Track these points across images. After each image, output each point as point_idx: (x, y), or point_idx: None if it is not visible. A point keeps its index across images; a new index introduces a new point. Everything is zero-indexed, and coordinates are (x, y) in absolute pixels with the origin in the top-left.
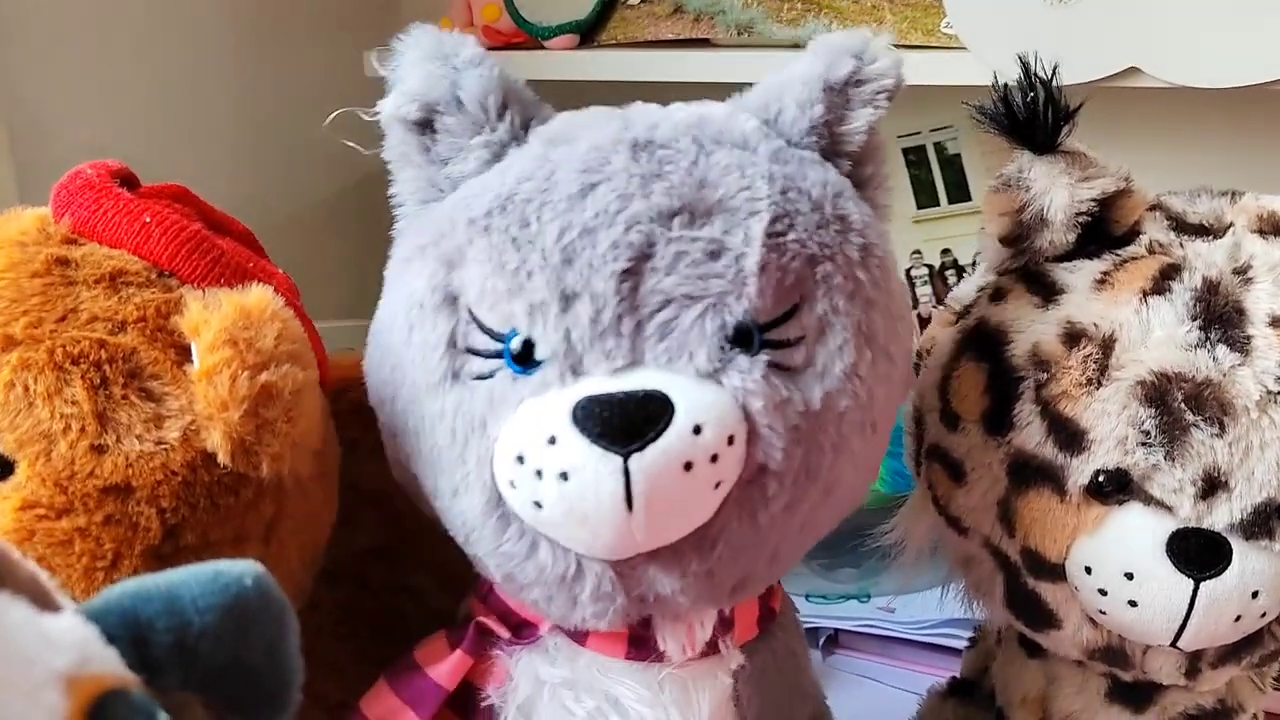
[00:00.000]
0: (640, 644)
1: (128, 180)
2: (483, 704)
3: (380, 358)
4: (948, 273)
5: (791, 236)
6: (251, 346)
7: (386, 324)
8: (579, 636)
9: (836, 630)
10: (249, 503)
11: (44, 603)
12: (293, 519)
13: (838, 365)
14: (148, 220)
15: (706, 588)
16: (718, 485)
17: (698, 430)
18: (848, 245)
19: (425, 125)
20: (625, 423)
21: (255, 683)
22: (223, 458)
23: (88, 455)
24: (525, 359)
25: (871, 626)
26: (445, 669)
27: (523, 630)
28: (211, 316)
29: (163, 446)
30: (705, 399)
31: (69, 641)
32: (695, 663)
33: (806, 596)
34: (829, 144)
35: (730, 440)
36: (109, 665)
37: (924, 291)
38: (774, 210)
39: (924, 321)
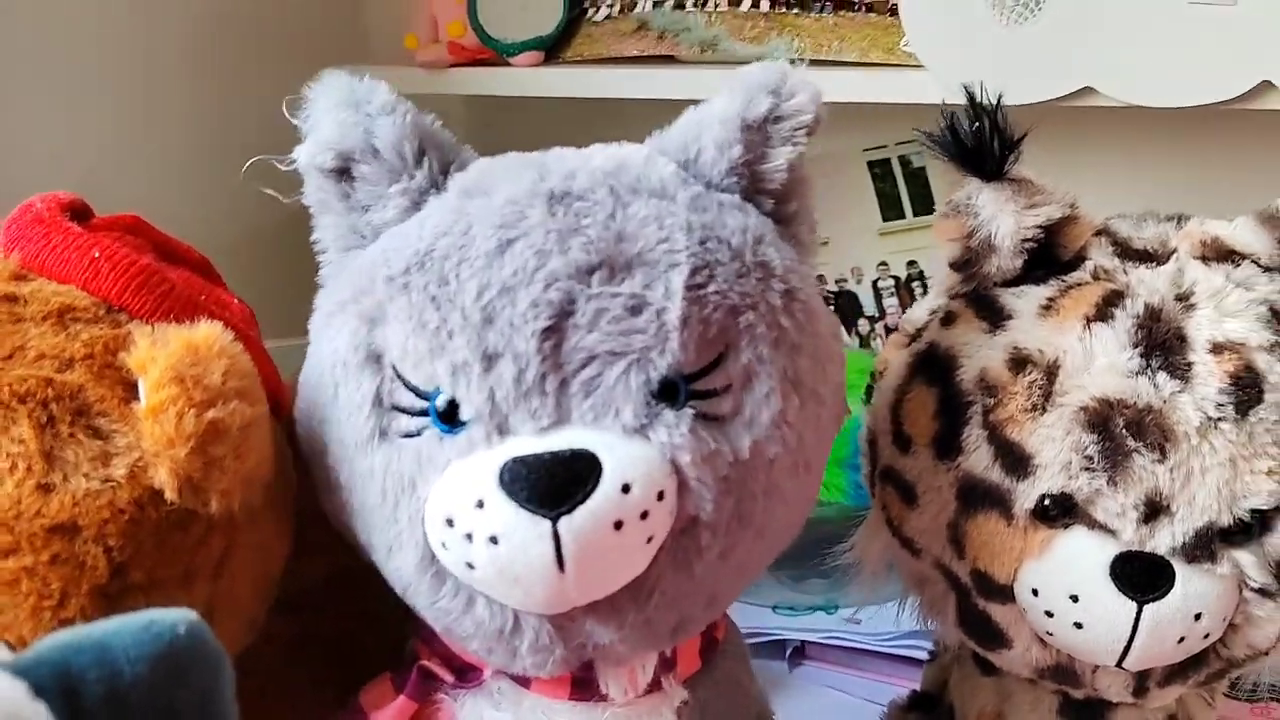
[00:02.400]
0: (583, 685)
1: (80, 212)
2: None
3: (309, 411)
4: (914, 284)
5: (712, 288)
6: (199, 383)
7: (313, 380)
8: (523, 680)
9: (803, 642)
10: (198, 539)
11: None
12: (244, 552)
13: (765, 413)
14: (96, 255)
15: (645, 634)
16: (650, 540)
17: (626, 489)
18: (770, 293)
19: (342, 173)
20: (552, 486)
21: None
22: (170, 495)
23: (34, 494)
24: (451, 418)
25: (838, 638)
26: (389, 715)
27: (466, 674)
28: (159, 353)
29: (110, 484)
30: (633, 456)
31: None
32: (639, 701)
33: (774, 608)
34: (749, 183)
35: (660, 495)
36: None
37: (891, 303)
38: (693, 262)
39: (891, 333)
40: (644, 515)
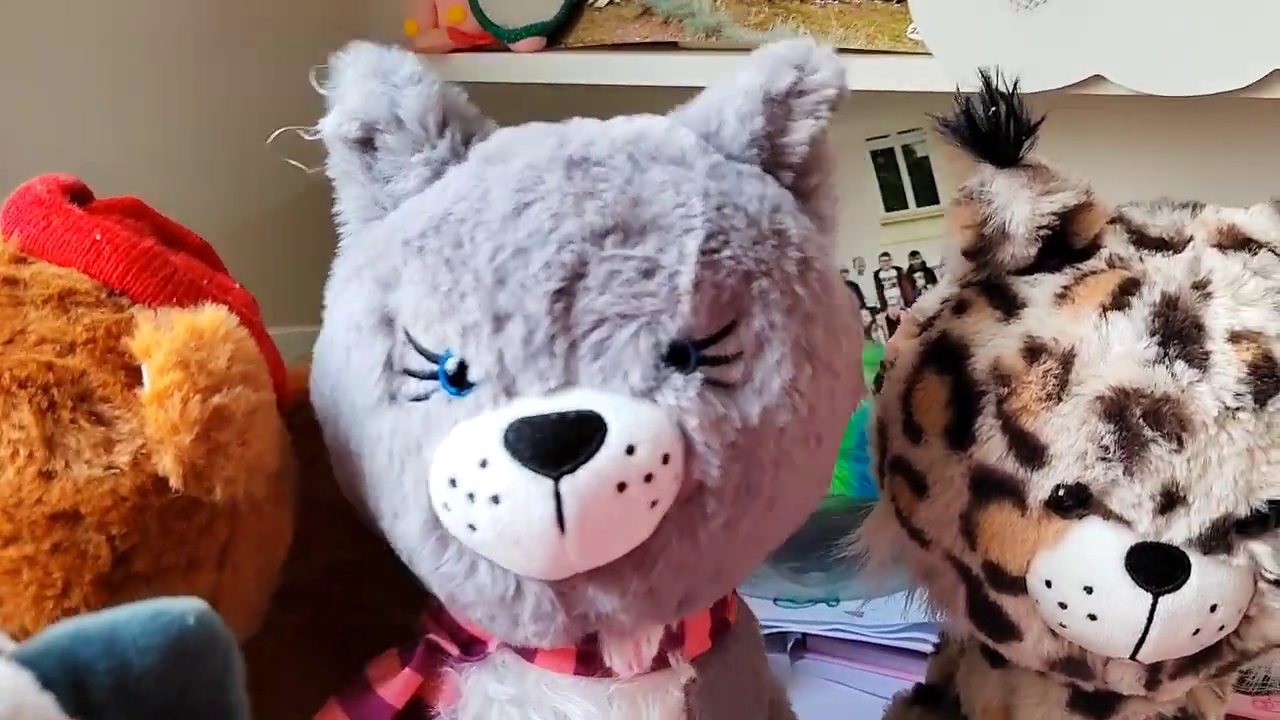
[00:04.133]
0: (588, 660)
1: (80, 195)
2: None
3: (322, 378)
4: (916, 275)
5: (726, 253)
6: (203, 369)
7: (327, 345)
8: (527, 653)
9: (805, 634)
10: (202, 527)
11: None
12: (248, 542)
13: (776, 381)
14: (98, 237)
15: (649, 605)
16: (654, 504)
17: (631, 450)
18: (785, 260)
19: (366, 143)
20: (556, 445)
21: None
22: (174, 482)
23: (35, 481)
24: (460, 380)
25: (840, 631)
26: (395, 687)
27: (472, 647)
28: (163, 338)
29: (112, 471)
30: (639, 418)
31: (2, 689)
32: (645, 677)
33: (775, 600)
34: (770, 156)
35: (665, 459)
36: (43, 712)
37: (892, 294)
38: (708, 227)
39: (893, 324)
40: (648, 478)
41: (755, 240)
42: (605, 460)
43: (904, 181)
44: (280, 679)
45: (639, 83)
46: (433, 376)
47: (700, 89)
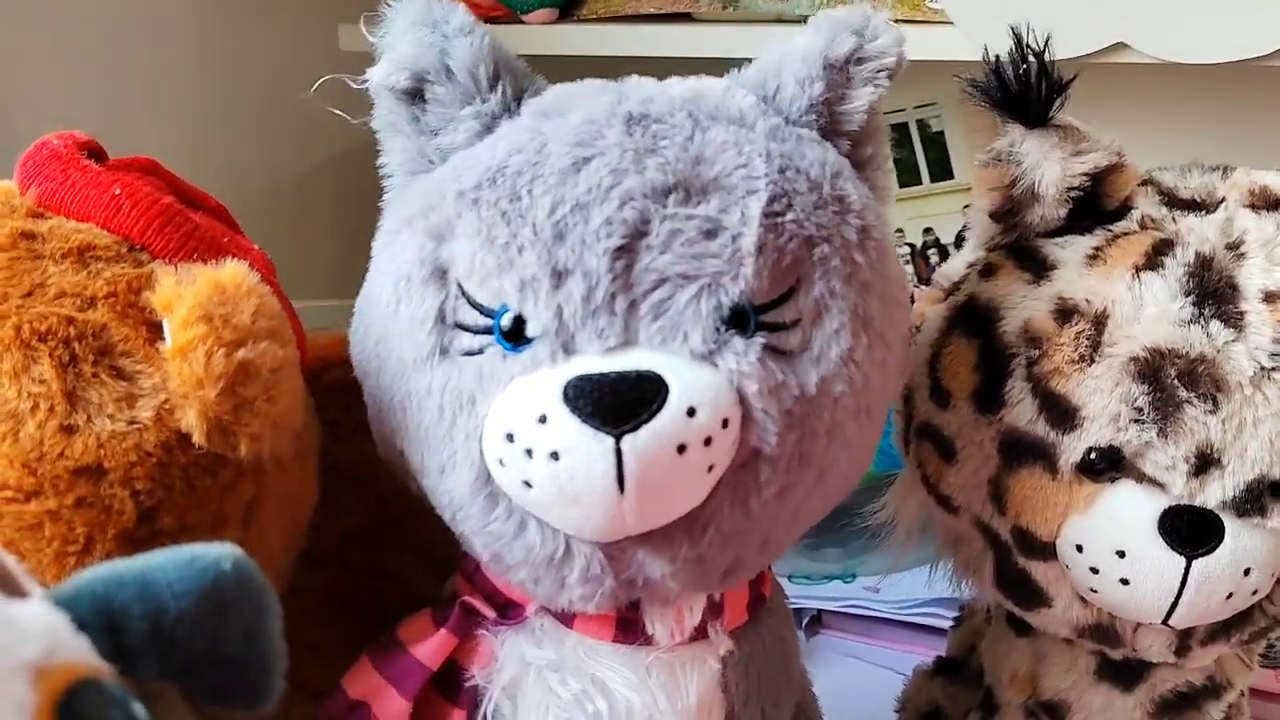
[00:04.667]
0: (628, 627)
1: (95, 153)
2: (467, 684)
3: (366, 331)
4: (930, 252)
5: (789, 217)
6: (228, 322)
7: (373, 297)
8: (566, 618)
9: (821, 610)
10: (227, 485)
11: (10, 589)
12: (273, 501)
13: (834, 350)
14: (117, 192)
15: (696, 572)
16: (710, 469)
17: (692, 412)
18: (846, 227)
19: (415, 94)
20: (618, 403)
21: (235, 670)
22: (199, 438)
23: (57, 435)
24: (516, 336)
25: (856, 606)
26: (429, 648)
27: (509, 611)
28: (185, 292)
29: (135, 426)
30: (700, 381)
31: (37, 630)
32: (683, 647)
33: (790, 577)
34: (828, 123)
35: (725, 423)
36: (80, 654)
37: (906, 270)
38: (771, 189)
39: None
40: (708, 442)
41: (817, 205)
42: (667, 421)
43: (918, 157)
44: (306, 641)
45: (653, 54)
46: (487, 331)
47: (714, 60)
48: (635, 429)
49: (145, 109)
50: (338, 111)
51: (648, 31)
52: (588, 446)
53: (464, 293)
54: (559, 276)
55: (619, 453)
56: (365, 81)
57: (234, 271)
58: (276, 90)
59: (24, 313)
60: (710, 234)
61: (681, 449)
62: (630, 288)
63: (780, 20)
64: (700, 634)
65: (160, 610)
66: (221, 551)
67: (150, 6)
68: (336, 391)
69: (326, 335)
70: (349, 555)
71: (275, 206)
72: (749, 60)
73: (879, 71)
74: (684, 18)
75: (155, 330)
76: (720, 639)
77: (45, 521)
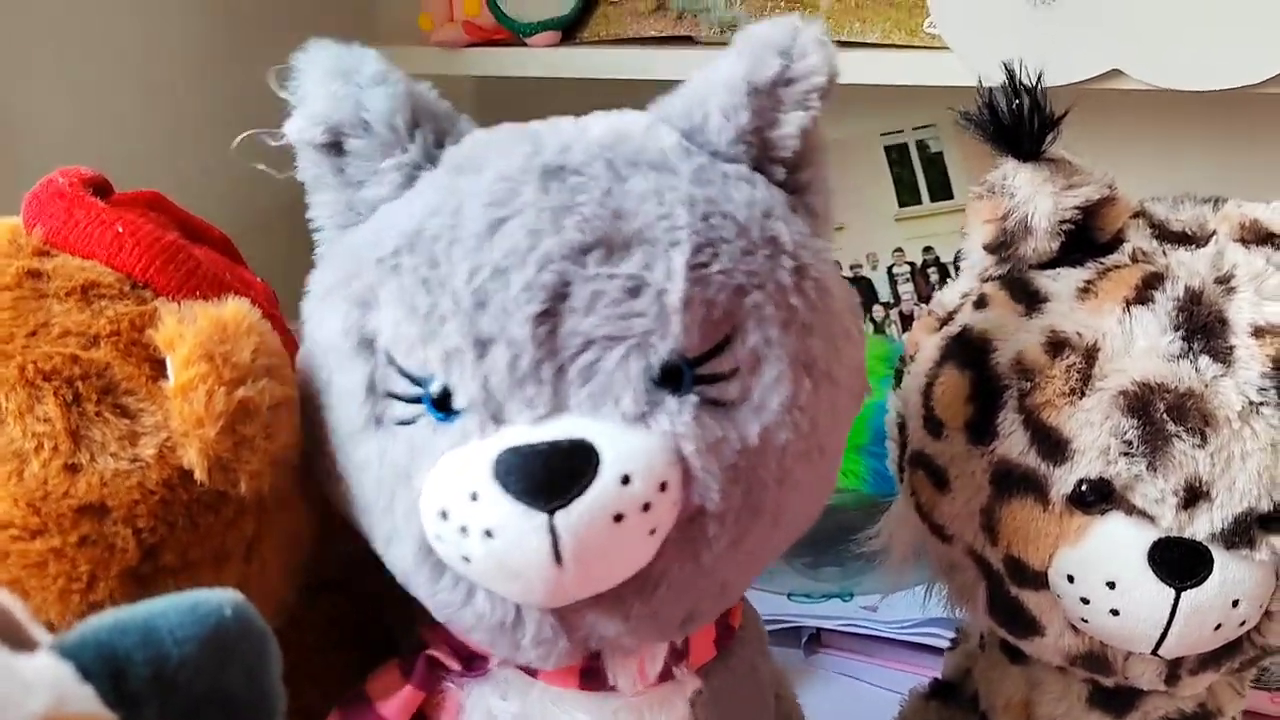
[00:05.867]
0: (593, 675)
1: (101, 188)
2: None
3: (306, 399)
4: (929, 270)
5: (716, 267)
6: (228, 361)
7: (307, 366)
8: (530, 670)
9: (819, 629)
10: (229, 521)
11: (16, 640)
12: (275, 536)
13: (775, 399)
14: (120, 230)
15: (652, 626)
16: (653, 532)
17: (626, 480)
18: (779, 270)
19: (335, 147)
20: (549, 478)
21: (236, 712)
22: (200, 475)
23: (61, 474)
24: (445, 405)
25: (854, 626)
26: (396, 705)
27: (473, 662)
28: (187, 330)
29: (138, 464)
30: (633, 446)
31: (44, 682)
32: (650, 691)
33: (789, 595)
34: (760, 152)
35: (663, 486)
36: (86, 704)
37: (906, 289)
38: (695, 240)
39: (906, 319)
40: (646, 507)
41: (746, 250)
42: (600, 492)
43: (918, 177)
44: (309, 670)
45: (654, 77)
46: (418, 400)
47: None
48: (567, 504)
49: (148, 135)
50: (262, 167)
51: (649, 55)
52: (519, 524)
53: (393, 361)
54: (483, 346)
55: (553, 528)
56: (283, 136)
57: (235, 309)
58: (281, 116)
59: (29, 352)
60: (634, 292)
61: (619, 518)
62: (556, 353)
63: None
64: (667, 675)
65: (162, 656)
66: (223, 597)
67: (154, 34)
68: None
69: None
70: (350, 582)
71: (278, 229)
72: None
73: (809, 93)
74: (686, 40)
75: (158, 368)
76: (687, 680)
77: (49, 560)
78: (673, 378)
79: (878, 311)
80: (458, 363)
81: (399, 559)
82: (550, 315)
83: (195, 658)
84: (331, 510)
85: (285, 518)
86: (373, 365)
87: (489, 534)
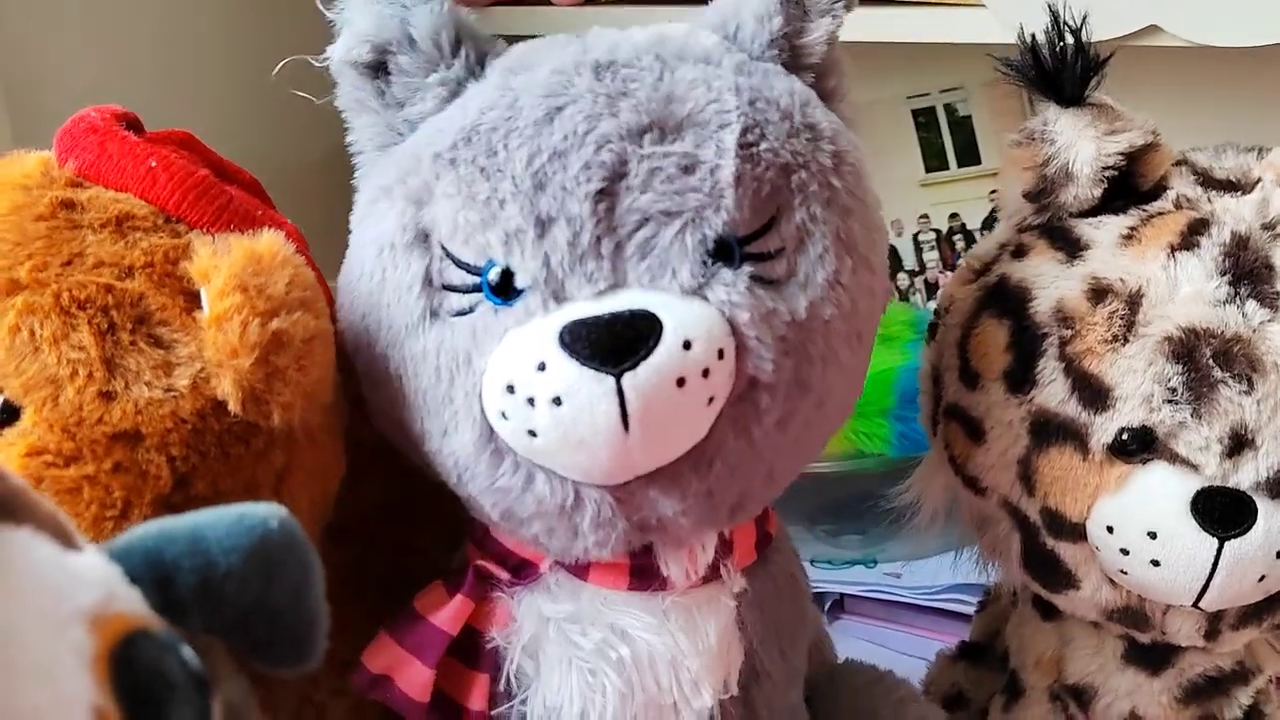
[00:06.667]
0: (642, 574)
1: (133, 125)
2: (487, 647)
3: (352, 305)
4: (955, 237)
5: (764, 146)
6: (262, 292)
7: (357, 270)
8: (580, 571)
9: (843, 595)
10: (260, 452)
11: (66, 541)
12: (303, 470)
13: (820, 274)
14: (154, 164)
15: (706, 508)
16: (711, 400)
17: (688, 345)
18: (820, 153)
19: (378, 68)
20: (615, 343)
21: (281, 627)
22: (233, 406)
23: (96, 401)
24: (505, 290)
25: (878, 591)
26: (447, 615)
27: (522, 570)
28: (221, 262)
29: (172, 394)
30: (692, 314)
31: (94, 579)
32: (698, 589)
33: (812, 561)
34: (790, 57)
35: (720, 354)
36: (134, 604)
37: (931, 257)
38: (744, 121)
39: (931, 287)
40: (705, 374)
41: (790, 133)
42: (664, 355)
43: (945, 141)
44: (332, 612)
45: None
46: (475, 290)
47: None
48: (634, 366)
49: (173, 88)
50: (301, 93)
51: (670, 13)
52: (589, 388)
53: (449, 254)
54: (543, 225)
55: (620, 391)
56: (327, 59)
57: (269, 242)
58: (308, 68)
59: (63, 281)
60: (688, 169)
61: (681, 382)
62: (615, 229)
63: None
64: (713, 575)
65: (210, 565)
66: (269, 511)
67: None
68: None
69: None
70: (375, 531)
71: (304, 184)
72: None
73: (835, 2)
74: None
75: (192, 300)
76: (733, 578)
77: (84, 486)
78: (725, 253)
79: (902, 279)
80: (518, 243)
81: (458, 448)
82: (608, 193)
83: (242, 569)
84: (354, 460)
85: (314, 454)
86: (429, 259)
87: (557, 401)
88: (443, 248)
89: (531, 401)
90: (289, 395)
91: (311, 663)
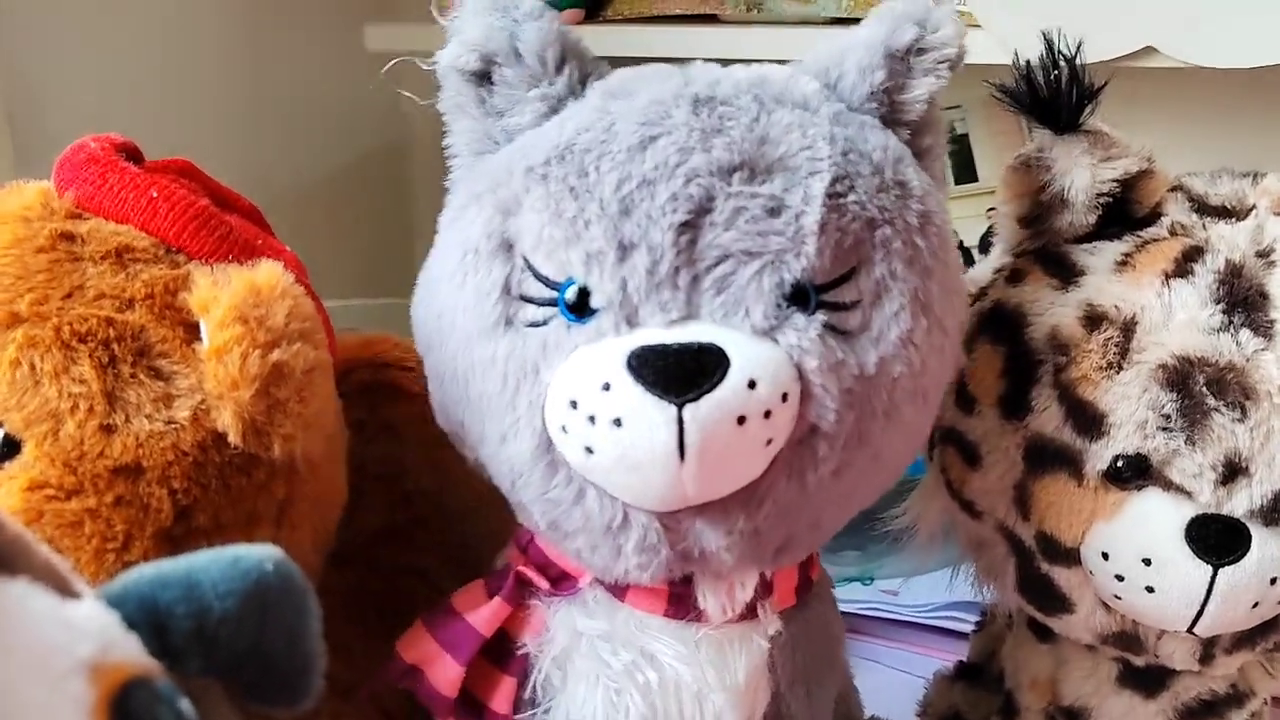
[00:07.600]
0: (679, 602)
1: (132, 154)
2: (518, 652)
3: (430, 303)
4: None
5: (851, 198)
6: (262, 324)
7: (439, 269)
8: (618, 591)
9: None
10: (261, 484)
11: (63, 589)
12: (305, 501)
13: (893, 331)
14: (154, 195)
15: (751, 546)
16: (769, 442)
17: (753, 385)
18: (907, 211)
19: (482, 76)
20: (680, 372)
21: (276, 668)
22: (234, 438)
23: (97, 435)
24: (580, 308)
25: (875, 609)
26: (483, 616)
27: (562, 582)
28: (221, 293)
29: (173, 426)
30: (761, 355)
31: (91, 629)
32: (733, 625)
33: None
34: (888, 112)
35: (784, 398)
36: (131, 653)
37: None
38: (835, 170)
39: None
40: (767, 415)
41: (879, 188)
42: (728, 391)
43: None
44: (335, 640)
45: (678, 55)
46: (551, 304)
47: (739, 62)
48: (697, 399)
49: (174, 110)
50: (407, 94)
51: (673, 33)
52: (650, 414)
53: (530, 266)
54: (624, 250)
55: (680, 421)
56: (435, 64)
57: (269, 273)
58: (304, 90)
59: (64, 314)
60: (774, 212)
61: (741, 420)
62: (694, 263)
63: (805, 22)
64: (750, 613)
65: (205, 610)
66: (264, 553)
67: (178, 8)
68: (362, 393)
69: (353, 337)
70: (376, 554)
71: (302, 207)
72: (774, 63)
73: (940, 62)
74: (710, 19)
75: (192, 331)
76: (769, 618)
77: (85, 519)
78: (801, 298)
79: None
80: (599, 264)
81: (515, 455)
82: (691, 226)
83: (237, 612)
84: (356, 484)
85: (315, 483)
86: (510, 268)
87: (618, 422)
88: (524, 259)
89: (593, 419)
90: (290, 427)
91: (307, 703)
